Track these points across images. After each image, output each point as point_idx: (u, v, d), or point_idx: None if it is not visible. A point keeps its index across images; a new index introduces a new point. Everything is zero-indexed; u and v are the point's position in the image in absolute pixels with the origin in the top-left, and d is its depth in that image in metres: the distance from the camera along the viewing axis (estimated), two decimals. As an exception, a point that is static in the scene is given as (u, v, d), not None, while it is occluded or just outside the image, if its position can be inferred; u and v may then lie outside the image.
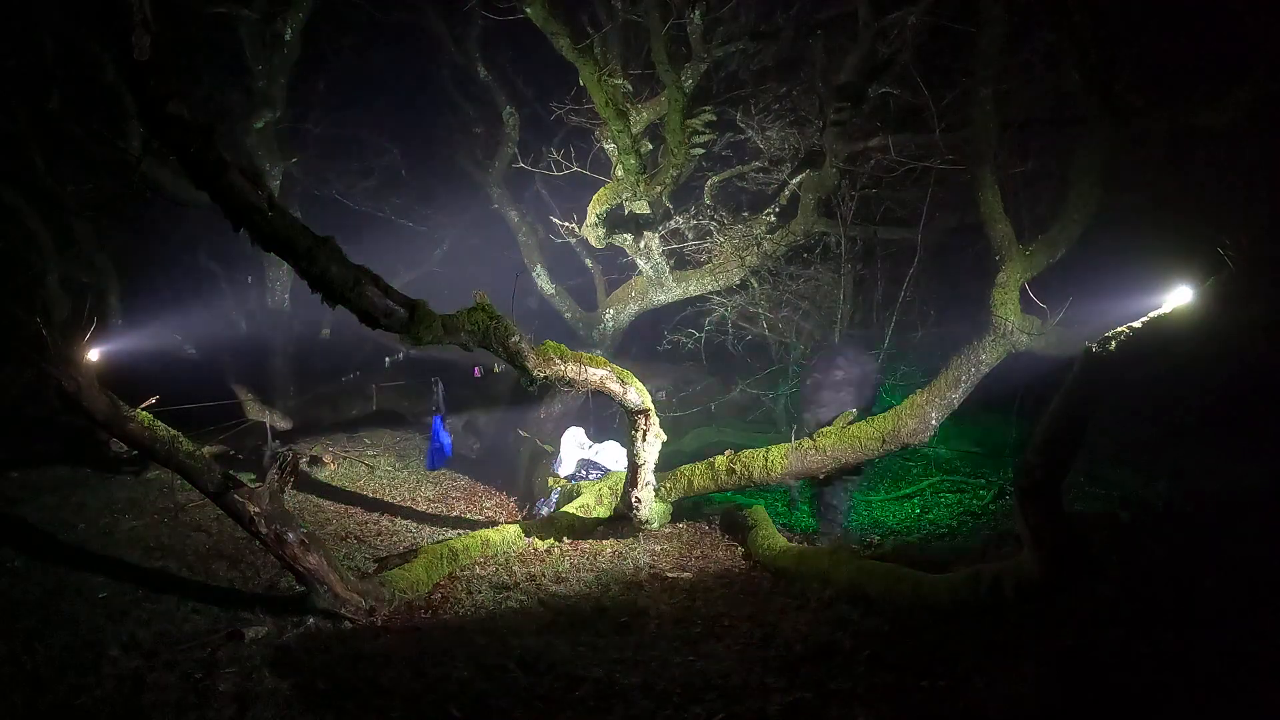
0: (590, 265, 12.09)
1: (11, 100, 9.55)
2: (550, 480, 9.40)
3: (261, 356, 12.21)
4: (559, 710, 4.28)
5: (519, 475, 10.59)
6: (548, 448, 10.35)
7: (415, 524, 8.51)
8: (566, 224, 10.65)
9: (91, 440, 8.55)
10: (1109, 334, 4.06)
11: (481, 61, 12.00)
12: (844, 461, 7.59)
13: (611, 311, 11.07)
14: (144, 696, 4.24)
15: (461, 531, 7.94)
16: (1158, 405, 8.20)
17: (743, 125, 9.75)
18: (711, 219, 10.27)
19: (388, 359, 10.77)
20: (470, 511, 9.51)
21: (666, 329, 11.66)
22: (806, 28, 9.41)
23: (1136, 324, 3.98)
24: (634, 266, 10.66)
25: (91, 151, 10.25)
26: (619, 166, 9.25)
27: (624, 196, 9.32)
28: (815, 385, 8.40)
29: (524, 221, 12.71)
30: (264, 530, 5.11)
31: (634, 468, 7.37)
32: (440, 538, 7.75)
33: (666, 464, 8.22)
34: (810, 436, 7.69)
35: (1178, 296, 3.95)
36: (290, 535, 5.16)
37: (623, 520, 7.90)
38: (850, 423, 7.64)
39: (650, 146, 9.56)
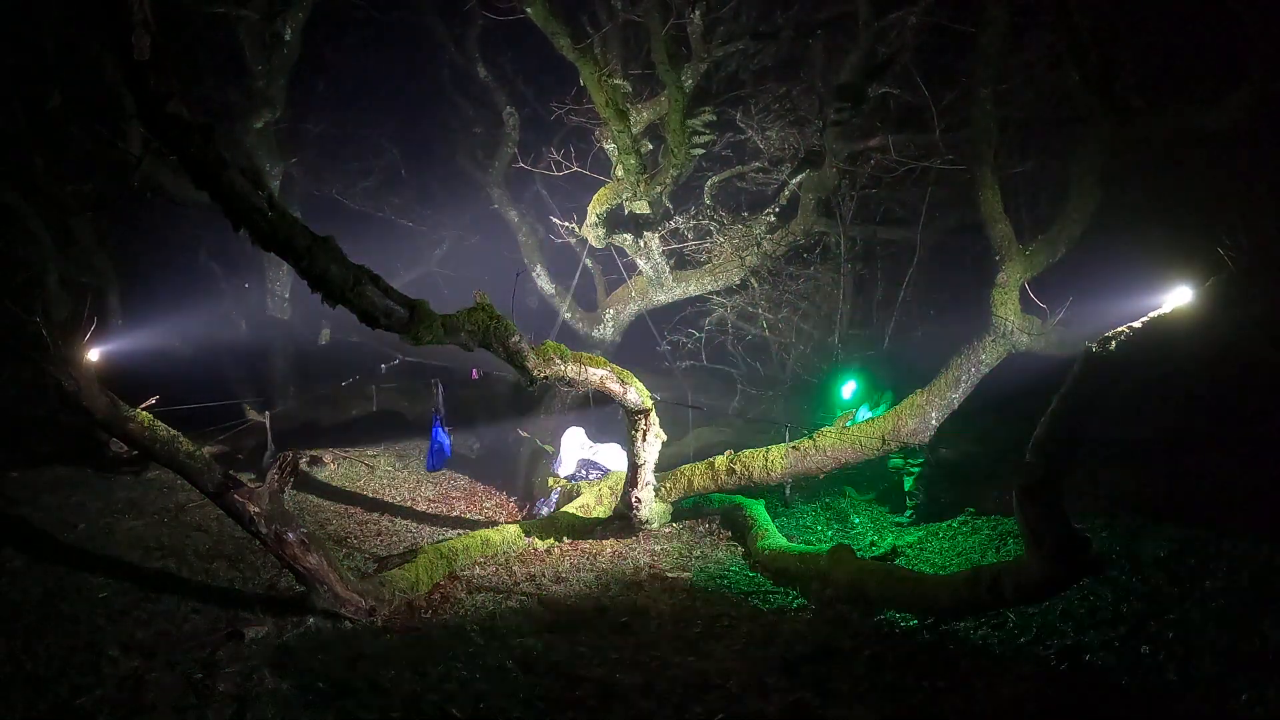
0: (590, 265, 12.09)
1: (11, 100, 9.53)
2: (550, 480, 9.39)
3: (261, 356, 12.20)
4: (559, 710, 4.28)
5: (519, 475, 10.58)
6: (548, 448, 10.35)
7: (415, 524, 8.50)
8: (566, 224, 10.65)
9: (91, 440, 8.53)
10: (1109, 334, 4.07)
11: (481, 61, 12.01)
12: (844, 461, 7.62)
13: (611, 311, 11.07)
14: (144, 696, 4.24)
15: (461, 531, 7.93)
16: (1158, 405, 8.18)
17: (743, 125, 9.74)
18: (711, 219, 10.27)
19: (384, 365, 10.72)
20: (470, 511, 9.50)
21: (667, 329, 11.64)
22: (806, 28, 9.41)
23: (1136, 324, 3.98)
24: (634, 266, 10.65)
25: (91, 151, 10.22)
26: (619, 166, 9.24)
27: (624, 196, 9.32)
28: None
29: (524, 221, 12.70)
30: (264, 530, 5.11)
31: (634, 468, 7.38)
32: (440, 538, 7.74)
33: (667, 464, 8.22)
34: (810, 436, 7.70)
35: (1178, 296, 3.96)
36: (290, 535, 5.16)
37: (623, 520, 7.90)
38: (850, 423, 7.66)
39: (650, 146, 9.55)
